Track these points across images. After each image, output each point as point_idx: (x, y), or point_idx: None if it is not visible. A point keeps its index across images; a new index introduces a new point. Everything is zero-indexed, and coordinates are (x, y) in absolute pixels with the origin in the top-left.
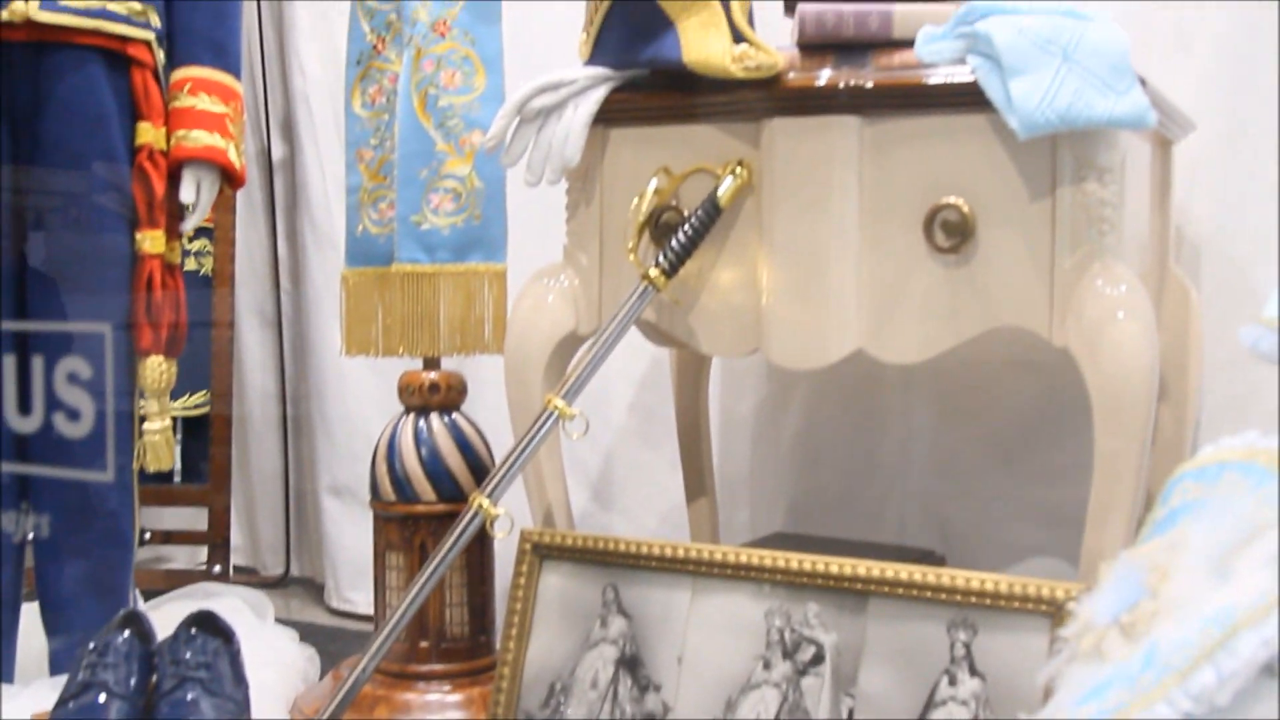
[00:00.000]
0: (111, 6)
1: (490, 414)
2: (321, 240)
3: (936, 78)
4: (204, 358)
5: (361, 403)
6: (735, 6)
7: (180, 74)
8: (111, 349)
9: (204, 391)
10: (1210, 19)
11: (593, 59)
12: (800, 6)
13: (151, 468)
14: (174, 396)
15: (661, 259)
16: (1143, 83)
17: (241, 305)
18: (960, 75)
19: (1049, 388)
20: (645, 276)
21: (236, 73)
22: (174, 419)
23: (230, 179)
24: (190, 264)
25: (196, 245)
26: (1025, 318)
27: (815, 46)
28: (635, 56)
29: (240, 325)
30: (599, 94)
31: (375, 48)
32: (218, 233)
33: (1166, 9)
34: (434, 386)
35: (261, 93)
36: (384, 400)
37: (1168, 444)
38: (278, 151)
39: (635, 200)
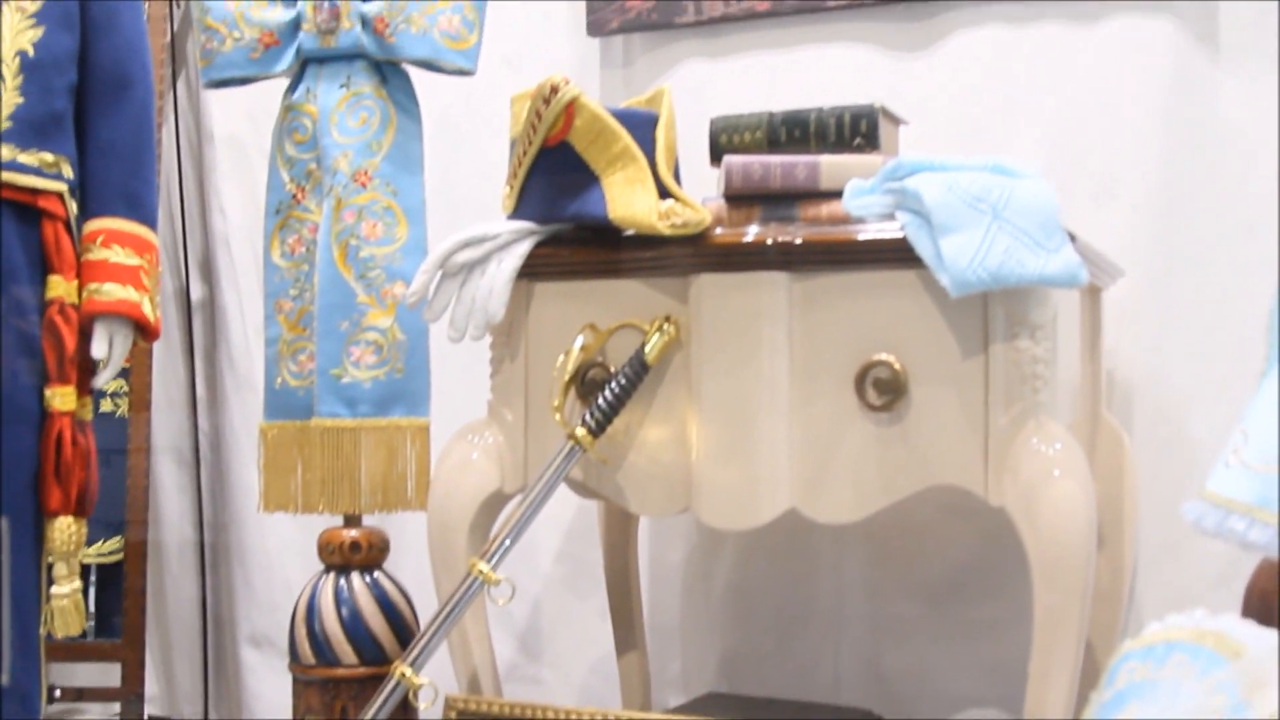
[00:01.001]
0: (22, 158)
1: (414, 572)
2: (241, 383)
3: (866, 234)
4: (118, 497)
5: (282, 549)
6: (661, 161)
7: (93, 226)
8: (17, 509)
9: (118, 538)
10: (1138, 163)
11: (516, 213)
12: (726, 158)
13: (60, 634)
14: (86, 543)
15: (588, 418)
16: (1072, 238)
17: (158, 444)
18: (890, 231)
19: (984, 535)
20: (572, 436)
21: (152, 224)
22: (84, 565)
23: (144, 332)
24: (106, 405)
25: (113, 385)
26: (960, 477)
27: (742, 197)
28: (560, 211)
29: (156, 464)
30: (523, 249)
31: (295, 197)
32: (134, 368)
33: (1094, 155)
34: (355, 545)
35: (180, 233)
36: (305, 546)
37: (1105, 593)
38: (197, 292)
39: (560, 358)
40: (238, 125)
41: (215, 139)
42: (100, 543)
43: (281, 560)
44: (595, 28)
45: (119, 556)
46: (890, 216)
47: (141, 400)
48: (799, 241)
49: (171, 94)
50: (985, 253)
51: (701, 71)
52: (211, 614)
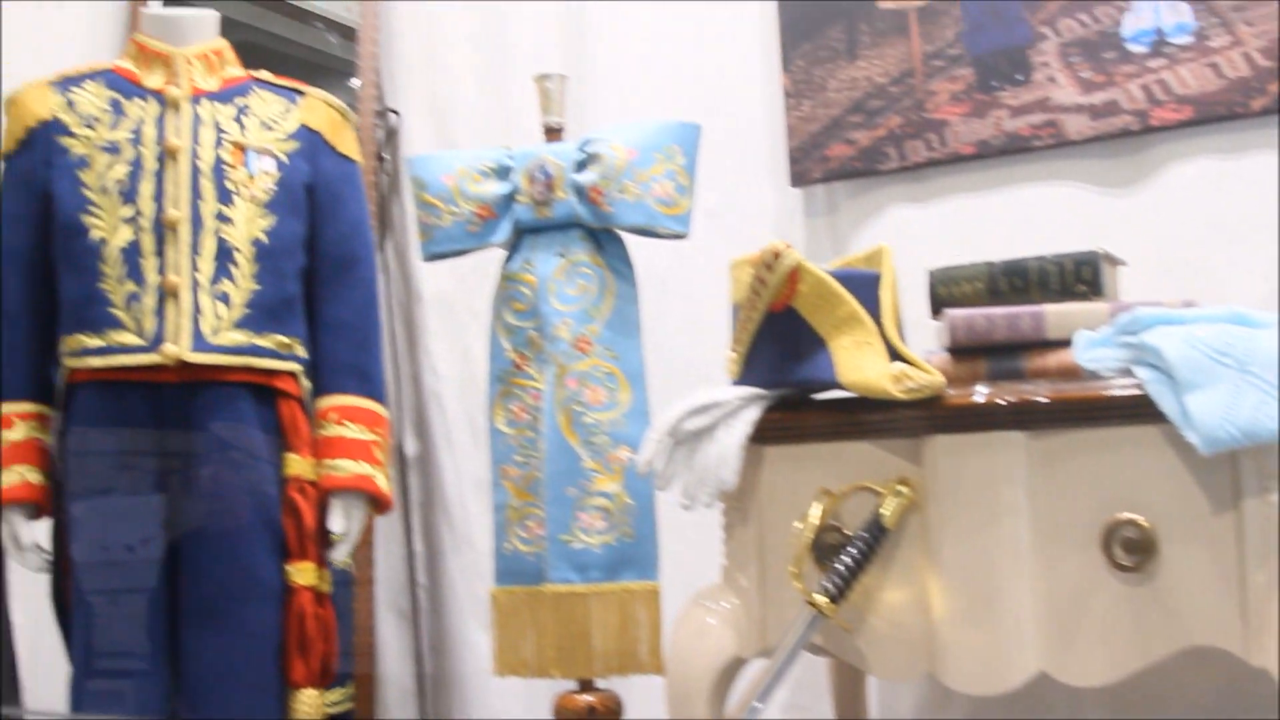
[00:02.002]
0: (259, 342)
1: None
2: (459, 539)
3: (1105, 391)
4: (344, 650)
5: (508, 707)
6: (887, 322)
7: (326, 403)
8: (262, 683)
9: (341, 689)
10: None
11: (743, 378)
12: (949, 312)
13: None
14: None
15: (828, 584)
16: None
17: (379, 601)
18: (1130, 388)
19: (1232, 682)
20: (813, 603)
21: (381, 398)
22: None
23: (378, 504)
24: None
25: None
26: (1218, 637)
27: (965, 350)
28: (788, 377)
29: (378, 621)
30: (752, 415)
31: (516, 364)
32: None
33: None
34: (592, 709)
35: (394, 391)
36: (530, 701)
37: None
38: (411, 448)
39: (797, 524)
40: (446, 285)
41: (424, 299)
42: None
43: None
44: (798, 178)
45: (346, 706)
46: (1127, 371)
47: (365, 560)
48: (1042, 401)
49: (380, 256)
50: (1234, 409)
51: (907, 217)
52: None
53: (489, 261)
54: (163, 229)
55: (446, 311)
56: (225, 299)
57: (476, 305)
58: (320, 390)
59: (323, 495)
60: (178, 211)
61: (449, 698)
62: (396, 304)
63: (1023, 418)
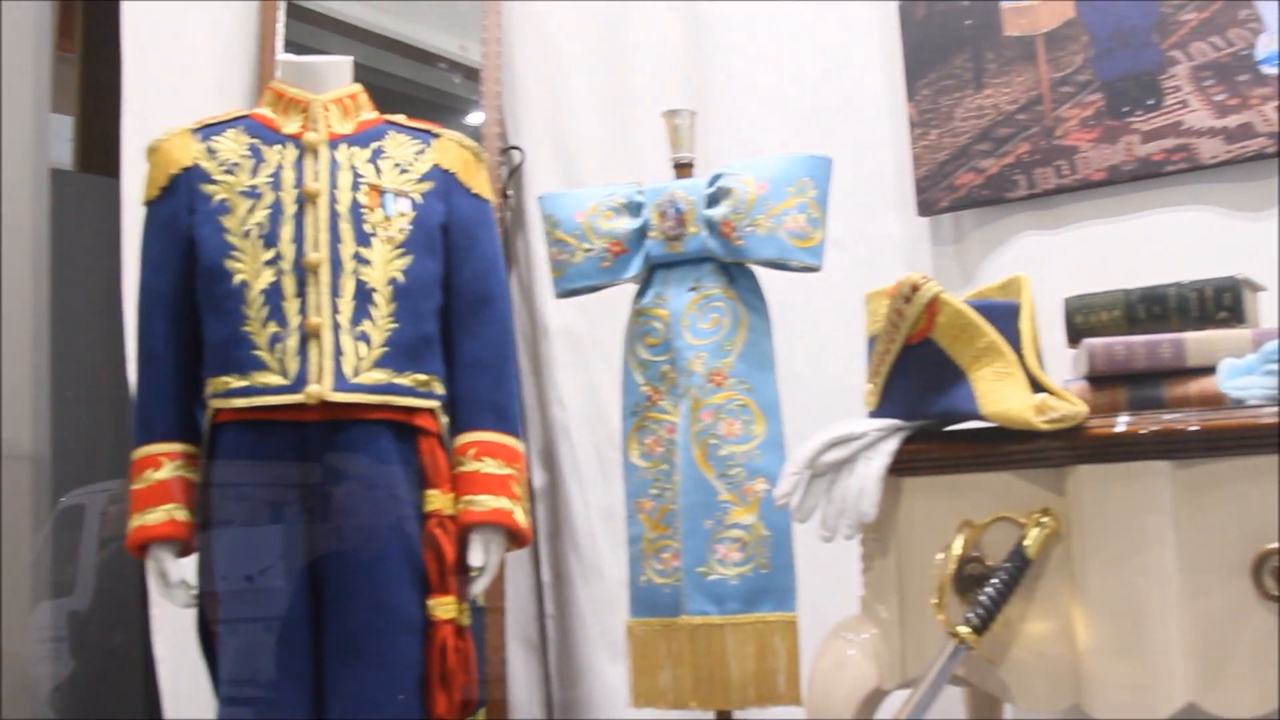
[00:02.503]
0: (398, 381)
1: None
2: (587, 569)
3: (1257, 420)
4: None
5: None
6: (1027, 352)
7: (464, 439)
8: (406, 716)
9: (476, 717)
10: None
11: (880, 409)
12: (1087, 341)
13: None
14: None
15: (972, 615)
16: None
17: (508, 631)
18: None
19: None
20: (956, 634)
21: (518, 433)
22: None
23: (516, 538)
24: None
25: None
26: None
27: (1105, 378)
28: (927, 408)
29: (507, 652)
30: (891, 446)
31: (650, 399)
32: None
33: None
34: None
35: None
36: None
37: None
38: (539, 479)
39: (940, 556)
40: (571, 319)
41: (550, 332)
42: None
43: None
44: (925, 207)
45: None
46: (1275, 399)
47: (496, 590)
48: (1192, 429)
49: None
50: None
51: (1036, 245)
52: None
53: (613, 295)
54: (303, 271)
55: (572, 344)
56: (365, 339)
57: (602, 337)
58: (458, 426)
59: (462, 530)
60: (318, 254)
61: None
62: (522, 338)
63: (1169, 446)
